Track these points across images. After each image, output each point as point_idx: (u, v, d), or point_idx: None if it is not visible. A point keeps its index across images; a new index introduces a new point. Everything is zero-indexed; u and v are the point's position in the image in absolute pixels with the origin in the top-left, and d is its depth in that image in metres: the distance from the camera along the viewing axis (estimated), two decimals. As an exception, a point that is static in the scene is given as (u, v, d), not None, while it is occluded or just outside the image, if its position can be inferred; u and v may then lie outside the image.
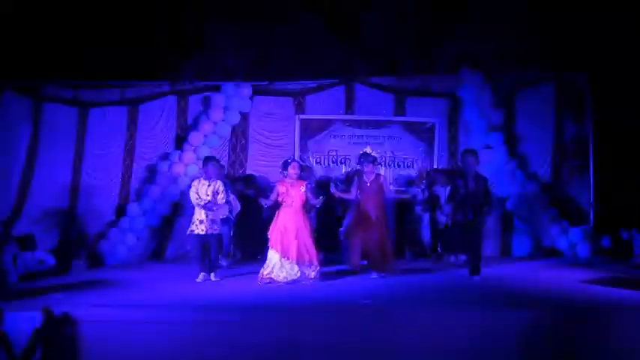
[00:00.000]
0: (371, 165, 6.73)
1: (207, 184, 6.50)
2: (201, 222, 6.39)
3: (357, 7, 8.51)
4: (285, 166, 6.46)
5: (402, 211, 8.64)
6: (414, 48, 8.50)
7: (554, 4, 8.14)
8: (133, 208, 8.67)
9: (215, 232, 6.47)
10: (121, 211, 8.93)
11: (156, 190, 8.64)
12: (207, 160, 6.75)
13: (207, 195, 6.43)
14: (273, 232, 6.33)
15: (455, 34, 8.51)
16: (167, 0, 8.46)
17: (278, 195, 6.39)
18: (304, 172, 6.90)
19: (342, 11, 8.49)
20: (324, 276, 6.40)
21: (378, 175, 6.89)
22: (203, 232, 6.38)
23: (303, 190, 6.40)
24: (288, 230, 6.26)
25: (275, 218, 6.43)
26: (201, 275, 6.42)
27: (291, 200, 6.34)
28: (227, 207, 7.04)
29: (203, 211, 6.39)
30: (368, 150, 6.96)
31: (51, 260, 7.31)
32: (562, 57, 8.32)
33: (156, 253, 8.86)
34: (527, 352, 4.45)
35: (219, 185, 6.58)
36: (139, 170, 9.29)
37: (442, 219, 7.85)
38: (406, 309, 4.94)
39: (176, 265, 8.04)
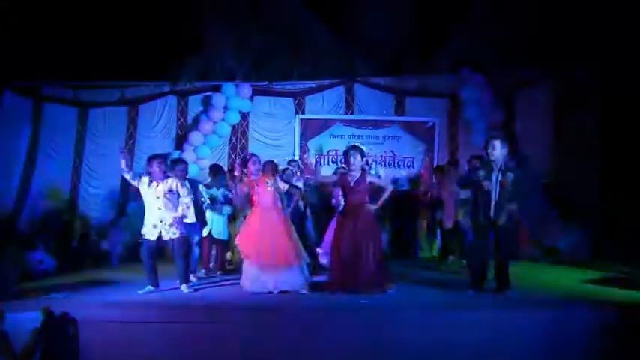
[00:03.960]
0: (358, 157, 5.51)
1: (160, 183, 5.59)
2: (154, 226, 5.53)
3: (357, 7, 8.51)
4: (245, 163, 5.73)
5: (403, 212, 8.62)
6: (414, 48, 8.49)
7: (554, 3, 8.13)
8: (133, 207, 8.66)
9: (176, 236, 5.57)
10: (121, 210, 8.94)
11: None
12: (150, 159, 5.68)
13: (165, 195, 5.54)
14: (244, 239, 5.56)
15: (455, 34, 8.51)
16: (167, 0, 8.47)
17: (242, 194, 5.67)
18: (268, 167, 5.92)
19: (342, 11, 8.49)
20: (314, 286, 5.57)
21: (365, 173, 5.61)
22: (154, 238, 5.54)
23: (269, 186, 5.61)
24: (263, 234, 5.43)
25: (245, 222, 5.73)
26: (147, 287, 5.57)
27: (259, 199, 5.58)
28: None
29: (157, 213, 5.53)
30: (356, 144, 5.75)
31: (51, 260, 7.32)
32: (562, 56, 8.31)
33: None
34: (526, 352, 4.46)
35: (171, 182, 5.62)
36: (139, 170, 9.29)
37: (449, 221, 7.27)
38: (407, 309, 4.94)
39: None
